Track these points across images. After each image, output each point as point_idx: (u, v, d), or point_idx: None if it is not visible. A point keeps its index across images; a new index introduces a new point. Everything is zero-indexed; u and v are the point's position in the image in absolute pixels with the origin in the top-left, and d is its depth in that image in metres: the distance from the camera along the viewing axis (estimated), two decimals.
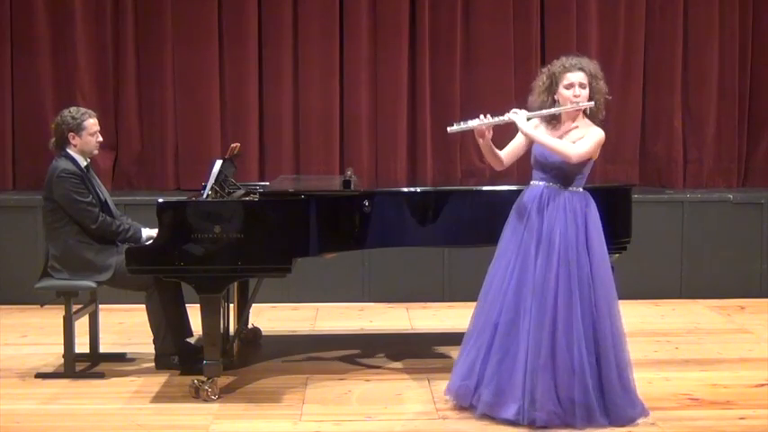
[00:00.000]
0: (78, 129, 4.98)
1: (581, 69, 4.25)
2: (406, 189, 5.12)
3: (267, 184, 5.85)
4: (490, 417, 4.20)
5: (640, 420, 4.22)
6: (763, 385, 4.86)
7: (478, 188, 5.11)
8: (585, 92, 4.24)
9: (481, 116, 4.23)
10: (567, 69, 4.25)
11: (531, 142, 4.32)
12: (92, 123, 5.02)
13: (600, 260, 4.25)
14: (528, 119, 4.24)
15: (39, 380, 4.95)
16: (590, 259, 4.22)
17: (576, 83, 4.23)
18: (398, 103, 7.41)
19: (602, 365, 4.16)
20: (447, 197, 4.94)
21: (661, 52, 7.54)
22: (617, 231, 4.98)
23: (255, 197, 4.89)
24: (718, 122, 7.60)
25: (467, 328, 4.42)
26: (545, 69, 4.36)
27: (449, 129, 4.29)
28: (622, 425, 4.17)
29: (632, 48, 7.53)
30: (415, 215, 4.89)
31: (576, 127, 4.30)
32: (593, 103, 4.26)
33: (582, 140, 4.22)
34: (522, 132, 4.25)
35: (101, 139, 5.11)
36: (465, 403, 4.33)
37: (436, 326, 6.26)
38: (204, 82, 7.36)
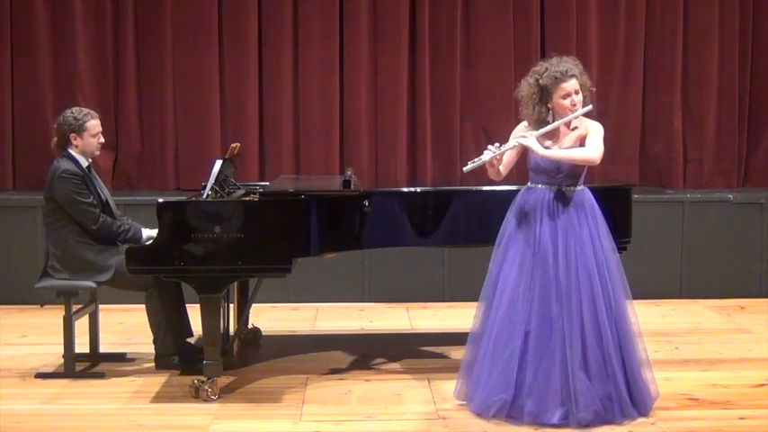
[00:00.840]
0: (80, 130, 4.98)
1: (573, 76, 4.23)
2: (406, 189, 5.13)
3: (267, 184, 5.86)
4: (537, 425, 4.16)
5: (654, 405, 4.34)
6: (763, 385, 4.86)
7: (478, 188, 5.10)
8: (580, 96, 4.26)
9: (490, 147, 4.27)
10: (559, 80, 4.21)
11: (524, 149, 4.33)
12: (94, 124, 5.03)
13: (612, 256, 4.31)
14: (536, 137, 4.24)
15: (39, 380, 4.95)
16: (604, 256, 4.26)
17: (571, 91, 4.22)
18: (398, 103, 7.41)
19: (625, 359, 4.22)
20: (447, 197, 4.94)
21: (661, 52, 7.54)
22: (617, 231, 4.97)
23: (255, 197, 4.89)
24: (718, 122, 7.60)
25: (478, 337, 4.35)
26: (530, 80, 4.31)
27: (465, 168, 4.30)
28: (645, 413, 4.27)
29: (632, 48, 7.52)
30: (415, 215, 4.89)
31: (576, 128, 4.32)
32: (591, 106, 4.28)
33: (591, 139, 4.24)
34: (538, 155, 4.21)
35: (102, 140, 5.11)
36: (501, 416, 4.23)
37: (436, 326, 6.26)
38: (204, 82, 7.35)
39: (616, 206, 5.00)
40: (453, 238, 5.00)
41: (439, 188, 5.37)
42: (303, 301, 6.82)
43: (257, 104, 7.42)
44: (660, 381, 4.86)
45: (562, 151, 4.25)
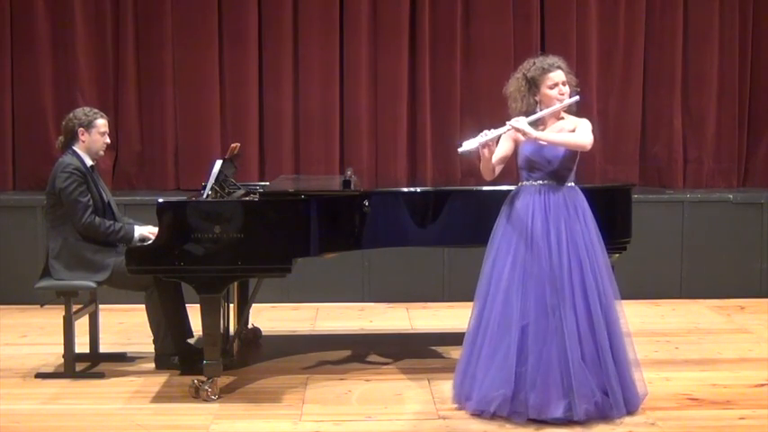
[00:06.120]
0: (89, 126, 5.02)
1: (559, 68, 4.34)
2: (405, 189, 5.12)
3: (267, 184, 5.86)
4: (539, 420, 4.15)
5: (642, 404, 4.35)
6: (763, 385, 4.86)
7: (479, 188, 5.10)
8: (567, 88, 4.33)
9: (485, 131, 4.27)
10: (547, 70, 4.31)
11: (517, 146, 4.39)
12: (102, 123, 5.09)
13: (602, 255, 4.32)
14: (529, 123, 4.27)
15: (39, 380, 4.95)
16: (595, 254, 4.28)
17: (558, 82, 4.31)
18: (398, 103, 7.41)
19: (615, 355, 4.23)
20: (447, 197, 4.94)
21: (661, 52, 7.55)
22: (617, 231, 4.98)
23: (255, 197, 4.89)
24: (718, 122, 7.61)
25: (473, 335, 4.35)
26: (518, 75, 4.40)
27: (459, 150, 4.29)
28: (633, 412, 4.27)
29: (632, 48, 7.53)
30: (415, 215, 4.89)
31: (563, 119, 4.38)
32: (578, 97, 4.34)
33: (580, 129, 4.31)
34: (531, 137, 4.24)
35: (108, 140, 5.14)
36: (503, 413, 4.22)
37: (436, 326, 6.26)
38: (204, 82, 7.36)
39: (616, 206, 5.00)
40: (453, 238, 5.00)
41: (439, 188, 5.35)
42: (303, 301, 6.82)
43: (257, 104, 7.43)
44: (660, 381, 4.88)
45: (552, 135, 4.28)
